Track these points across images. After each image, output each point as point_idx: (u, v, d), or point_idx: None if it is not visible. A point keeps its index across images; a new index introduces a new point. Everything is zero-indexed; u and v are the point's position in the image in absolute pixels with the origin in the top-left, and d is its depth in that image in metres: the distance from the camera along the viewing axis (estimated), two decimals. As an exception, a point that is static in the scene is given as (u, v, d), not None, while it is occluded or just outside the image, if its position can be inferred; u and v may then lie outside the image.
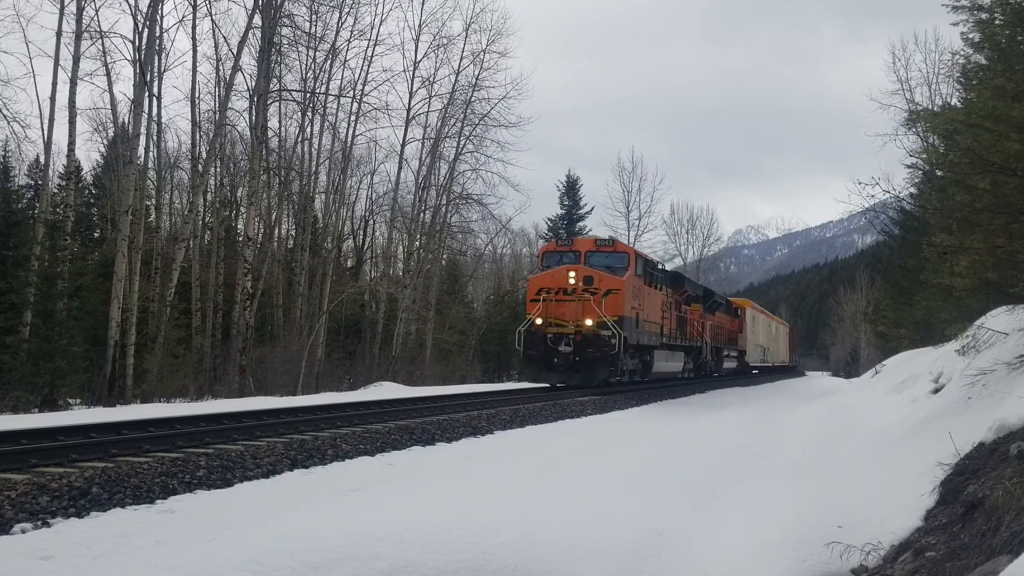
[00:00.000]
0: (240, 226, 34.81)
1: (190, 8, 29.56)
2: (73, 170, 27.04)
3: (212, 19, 41.42)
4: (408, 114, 35.35)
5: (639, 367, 21.54)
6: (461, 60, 36.05)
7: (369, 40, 34.42)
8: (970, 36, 8.92)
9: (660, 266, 24.38)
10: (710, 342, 30.52)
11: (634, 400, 18.81)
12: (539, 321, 19.10)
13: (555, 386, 19.51)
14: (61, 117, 40.33)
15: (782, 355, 53.29)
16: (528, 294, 20.60)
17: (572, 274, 19.22)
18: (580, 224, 49.77)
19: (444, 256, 41.83)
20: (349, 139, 34.90)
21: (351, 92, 33.94)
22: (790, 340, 58.13)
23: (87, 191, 39.17)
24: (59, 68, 24.27)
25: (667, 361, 23.87)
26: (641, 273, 20.90)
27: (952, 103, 24.03)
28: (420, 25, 35.90)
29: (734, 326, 36.74)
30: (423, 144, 36.59)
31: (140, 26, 24.71)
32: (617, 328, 18.58)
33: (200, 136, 32.44)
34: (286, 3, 27.93)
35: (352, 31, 33.88)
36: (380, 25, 44.68)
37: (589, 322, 18.69)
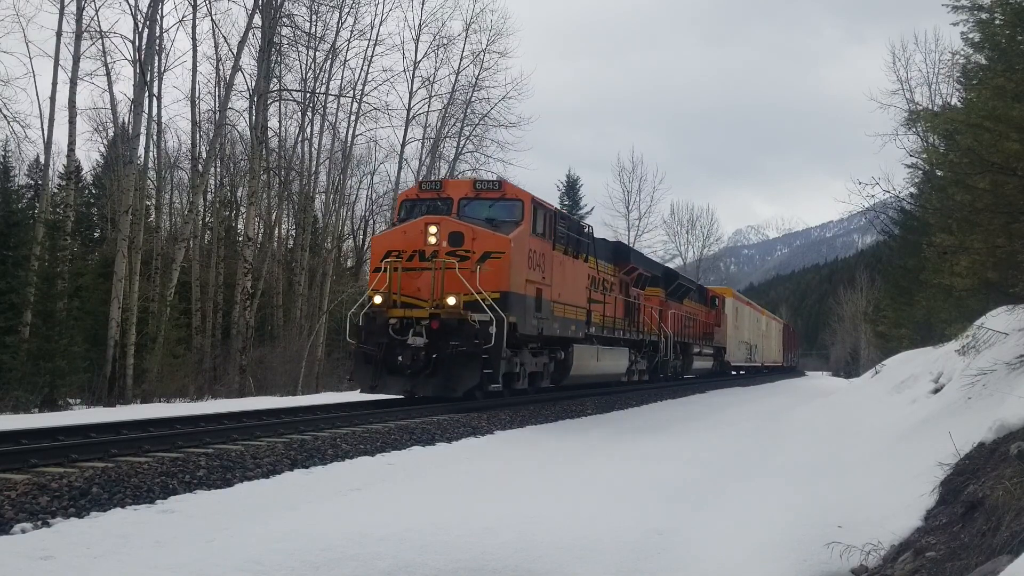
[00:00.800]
0: (240, 226, 34.91)
1: (190, 8, 29.71)
2: (73, 170, 27.09)
3: (212, 19, 41.52)
4: (408, 114, 35.42)
5: (548, 368, 15.71)
6: (461, 60, 36.12)
7: (369, 40, 34.52)
8: (970, 36, 8.95)
9: (588, 230, 17.74)
10: (673, 336, 24.70)
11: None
12: (378, 300, 13.07)
13: (415, 396, 13.27)
14: (61, 117, 40.31)
15: (774, 354, 49.04)
16: (372, 260, 14.40)
17: (433, 229, 13.09)
18: (580, 224, 49.61)
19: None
20: (349, 139, 35.00)
21: (351, 92, 34.07)
22: (784, 338, 54.76)
23: (87, 191, 39.24)
24: (59, 68, 24.42)
25: (597, 360, 17.70)
26: (545, 232, 14.63)
27: (952, 103, 24.09)
28: (420, 25, 35.96)
29: (710, 318, 31.45)
30: (423, 144, 36.65)
31: (140, 26, 24.83)
32: (497, 310, 12.62)
33: (200, 136, 32.59)
34: (286, 3, 28.06)
35: (352, 31, 34.00)
36: (380, 25, 44.71)
37: (452, 300, 12.70)
